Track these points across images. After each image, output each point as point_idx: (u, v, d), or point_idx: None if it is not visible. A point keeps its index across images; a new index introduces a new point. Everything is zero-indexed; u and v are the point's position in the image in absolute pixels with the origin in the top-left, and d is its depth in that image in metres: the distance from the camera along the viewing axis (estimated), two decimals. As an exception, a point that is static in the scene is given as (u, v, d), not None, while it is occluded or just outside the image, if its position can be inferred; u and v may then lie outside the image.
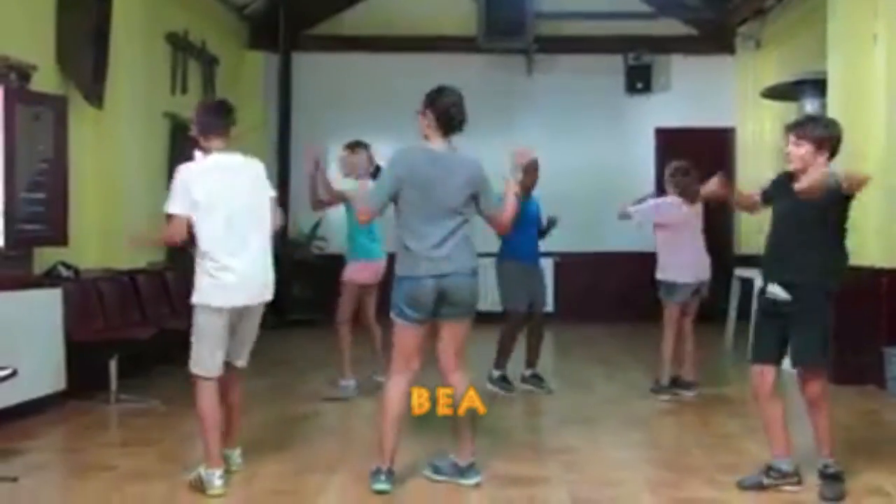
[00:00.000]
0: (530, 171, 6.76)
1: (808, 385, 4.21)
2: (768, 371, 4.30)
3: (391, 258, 4.97)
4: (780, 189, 4.33)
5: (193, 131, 4.53)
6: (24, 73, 6.49)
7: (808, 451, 4.34)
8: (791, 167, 4.26)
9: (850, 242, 4.32)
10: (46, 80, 6.72)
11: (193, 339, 4.35)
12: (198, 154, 4.65)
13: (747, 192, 4.73)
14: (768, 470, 4.28)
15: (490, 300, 6.68)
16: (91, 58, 7.09)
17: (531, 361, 6.88)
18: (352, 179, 6.71)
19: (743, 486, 4.26)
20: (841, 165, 4.37)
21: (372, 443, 5.37)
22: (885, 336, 6.59)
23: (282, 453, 4.90)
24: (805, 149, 4.19)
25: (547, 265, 8.61)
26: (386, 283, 6.65)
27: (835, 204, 4.14)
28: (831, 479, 4.14)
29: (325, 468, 4.68)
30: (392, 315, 4.32)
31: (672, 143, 11.16)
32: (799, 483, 4.23)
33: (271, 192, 4.58)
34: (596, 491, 4.34)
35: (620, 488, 4.39)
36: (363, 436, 5.64)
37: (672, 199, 6.54)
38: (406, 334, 4.29)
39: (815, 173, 4.07)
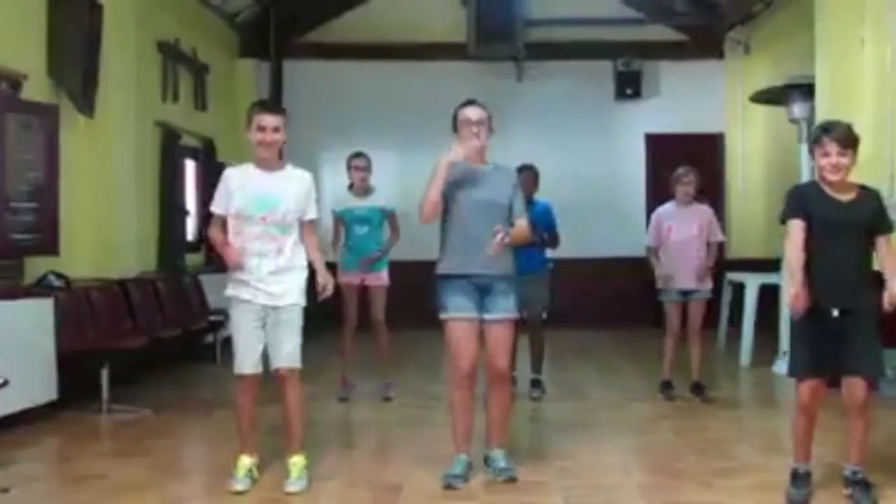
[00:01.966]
0: (528, 182, 6.72)
1: (860, 392, 4.04)
2: (821, 385, 4.12)
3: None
4: (814, 201, 4.07)
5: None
6: (15, 81, 6.49)
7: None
8: (833, 178, 4.03)
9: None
10: (37, 89, 6.72)
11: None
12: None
13: (800, 247, 4.06)
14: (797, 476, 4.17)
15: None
16: (82, 67, 7.09)
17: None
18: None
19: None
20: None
21: (369, 451, 5.39)
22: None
23: (275, 462, 4.87)
24: (850, 157, 4.04)
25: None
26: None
27: (877, 214, 4.11)
28: (862, 485, 4.08)
29: (318, 476, 4.66)
30: None
31: (662, 149, 11.22)
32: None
33: None
34: (590, 496, 4.34)
35: (614, 493, 4.39)
36: (358, 444, 5.64)
37: None
38: None
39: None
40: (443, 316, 4.48)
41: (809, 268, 4.04)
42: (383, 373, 6.90)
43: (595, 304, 11.04)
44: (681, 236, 6.58)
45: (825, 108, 7.27)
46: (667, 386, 6.67)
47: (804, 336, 4.09)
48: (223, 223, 4.54)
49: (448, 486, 4.38)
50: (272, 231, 4.45)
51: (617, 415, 6.22)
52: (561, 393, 7.05)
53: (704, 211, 6.73)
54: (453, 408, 4.55)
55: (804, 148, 7.47)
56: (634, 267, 10.48)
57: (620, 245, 10.93)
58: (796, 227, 4.06)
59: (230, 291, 4.55)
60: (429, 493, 4.35)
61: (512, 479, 4.43)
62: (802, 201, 4.10)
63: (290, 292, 4.50)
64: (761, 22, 10.39)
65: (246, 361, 4.49)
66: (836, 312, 4.01)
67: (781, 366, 4.43)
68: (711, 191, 10.71)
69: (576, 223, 10.48)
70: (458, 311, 4.44)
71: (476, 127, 4.52)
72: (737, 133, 11.28)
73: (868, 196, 4.15)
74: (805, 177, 7.35)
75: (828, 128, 4.10)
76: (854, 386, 4.05)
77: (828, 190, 4.08)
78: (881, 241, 4.14)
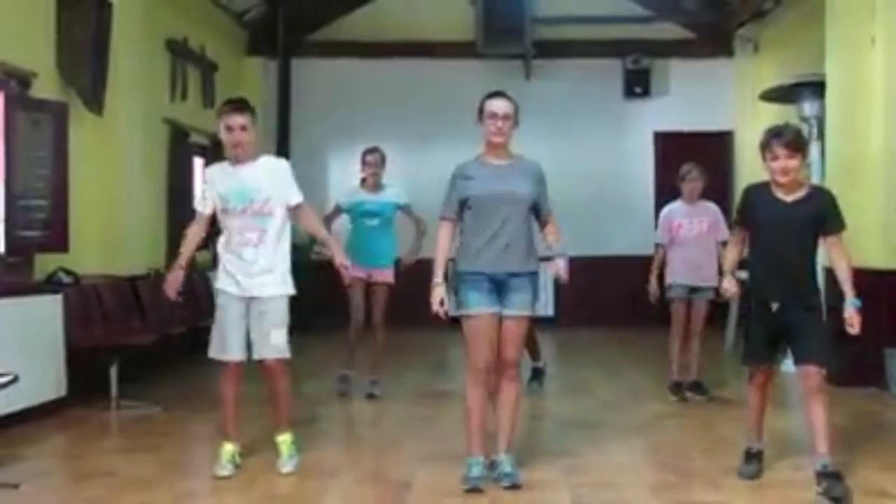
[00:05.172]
0: None
1: (812, 377, 4.22)
2: (767, 371, 4.50)
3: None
4: (760, 203, 4.35)
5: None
6: (25, 79, 6.51)
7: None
8: (783, 180, 4.25)
9: (851, 244, 4.40)
10: (46, 86, 6.74)
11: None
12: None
13: (733, 249, 4.67)
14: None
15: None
16: (91, 65, 7.11)
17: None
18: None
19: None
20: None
21: (377, 448, 5.39)
22: (887, 338, 6.58)
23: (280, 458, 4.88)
24: (798, 160, 4.25)
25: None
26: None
27: (823, 214, 4.28)
28: (833, 477, 4.08)
29: (325, 473, 4.68)
30: None
31: (671, 147, 11.19)
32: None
33: None
34: (598, 494, 4.33)
35: (623, 492, 4.38)
36: (366, 441, 5.64)
37: None
38: None
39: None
40: (460, 312, 4.39)
41: (755, 263, 4.42)
42: (372, 370, 6.78)
43: (602, 303, 11.01)
44: (690, 233, 6.57)
45: (835, 107, 7.24)
46: (677, 387, 6.64)
47: (755, 328, 4.44)
48: (205, 222, 4.81)
49: (472, 490, 4.26)
50: (253, 222, 4.60)
51: (624, 413, 6.21)
52: (568, 391, 7.05)
53: (713, 209, 6.70)
54: (468, 408, 4.40)
55: (815, 147, 7.47)
56: (643, 265, 10.48)
57: (628, 243, 10.91)
58: (735, 236, 4.67)
59: (218, 284, 4.72)
60: (437, 490, 4.34)
61: (515, 486, 4.31)
62: (747, 206, 4.43)
63: (274, 282, 4.65)
64: (771, 20, 10.35)
65: (230, 348, 4.64)
66: (775, 306, 4.30)
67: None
68: (720, 189, 10.69)
69: (584, 221, 10.51)
70: (474, 307, 4.34)
71: (501, 122, 4.45)
72: (746, 131, 11.22)
73: (816, 196, 4.36)
74: (816, 175, 7.34)
75: (777, 133, 4.33)
76: (808, 373, 4.26)
77: (776, 190, 4.32)
78: (832, 241, 4.34)
